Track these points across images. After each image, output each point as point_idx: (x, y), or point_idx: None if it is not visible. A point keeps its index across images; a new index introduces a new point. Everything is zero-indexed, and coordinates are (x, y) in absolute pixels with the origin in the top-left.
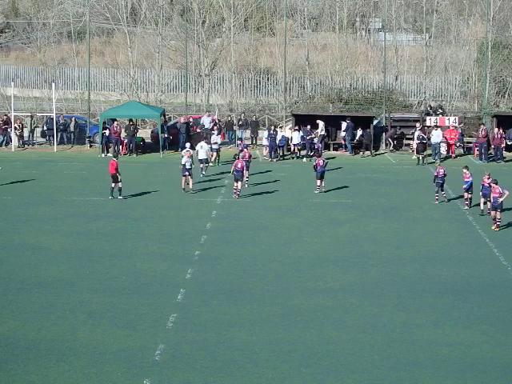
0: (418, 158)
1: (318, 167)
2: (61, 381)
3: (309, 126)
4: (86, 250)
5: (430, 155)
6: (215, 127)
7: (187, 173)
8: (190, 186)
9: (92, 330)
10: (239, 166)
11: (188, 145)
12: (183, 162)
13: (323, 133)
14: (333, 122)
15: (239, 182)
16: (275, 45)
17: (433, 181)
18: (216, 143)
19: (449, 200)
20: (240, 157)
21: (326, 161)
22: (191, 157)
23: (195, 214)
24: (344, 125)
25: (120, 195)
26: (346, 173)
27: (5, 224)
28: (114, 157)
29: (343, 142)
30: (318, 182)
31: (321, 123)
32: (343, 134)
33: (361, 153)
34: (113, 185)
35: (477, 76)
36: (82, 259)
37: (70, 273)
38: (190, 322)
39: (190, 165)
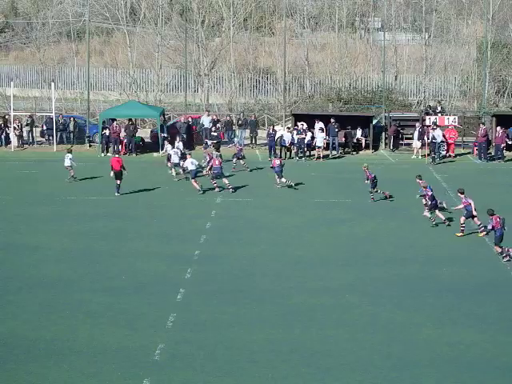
0: (433, 157)
1: (275, 167)
2: (60, 381)
3: (300, 126)
4: (86, 249)
5: (428, 155)
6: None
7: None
8: (197, 187)
9: (92, 330)
10: (217, 163)
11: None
12: (184, 166)
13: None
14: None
15: (217, 180)
16: (274, 44)
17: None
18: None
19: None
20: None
21: (283, 162)
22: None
23: (195, 213)
24: (319, 124)
25: (118, 192)
26: (345, 172)
27: (5, 224)
28: (118, 153)
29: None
30: (278, 179)
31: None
32: (321, 134)
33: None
34: (118, 182)
35: (476, 75)
36: (82, 259)
37: (69, 273)
38: (190, 321)
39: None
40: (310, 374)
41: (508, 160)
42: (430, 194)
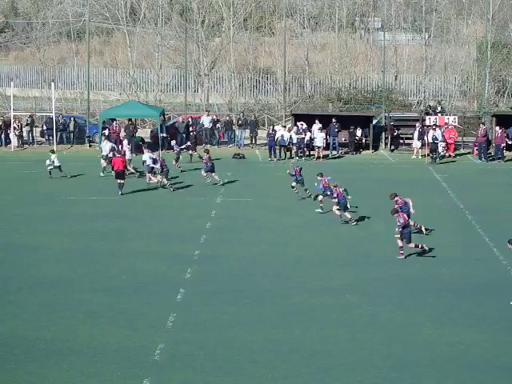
0: (432, 156)
1: (207, 164)
2: (60, 381)
3: (300, 125)
4: (86, 249)
5: (428, 155)
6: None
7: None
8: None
9: (92, 330)
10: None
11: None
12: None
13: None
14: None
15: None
16: (275, 44)
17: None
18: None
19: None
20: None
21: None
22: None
23: (195, 213)
24: (318, 125)
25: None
26: (345, 172)
27: (5, 224)
28: (119, 153)
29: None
30: (205, 174)
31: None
32: (321, 134)
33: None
34: (120, 181)
35: (476, 75)
36: (82, 259)
37: (69, 273)
38: (190, 321)
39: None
40: (310, 373)
41: (508, 160)
42: (340, 192)
